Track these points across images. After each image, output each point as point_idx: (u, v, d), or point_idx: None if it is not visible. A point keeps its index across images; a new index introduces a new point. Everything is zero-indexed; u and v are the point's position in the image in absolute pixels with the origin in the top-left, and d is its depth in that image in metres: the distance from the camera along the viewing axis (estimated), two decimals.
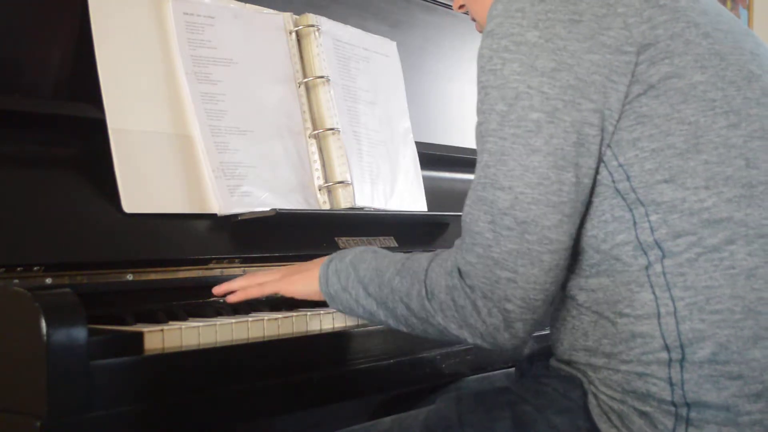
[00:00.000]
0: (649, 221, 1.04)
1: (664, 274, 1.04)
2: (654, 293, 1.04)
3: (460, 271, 1.07)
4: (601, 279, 1.08)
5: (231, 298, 1.34)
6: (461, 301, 1.06)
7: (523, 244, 1.02)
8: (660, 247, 1.04)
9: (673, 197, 1.03)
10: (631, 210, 1.05)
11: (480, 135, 1.08)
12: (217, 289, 1.36)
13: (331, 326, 1.33)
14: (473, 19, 1.36)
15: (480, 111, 1.08)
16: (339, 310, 1.26)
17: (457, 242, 1.10)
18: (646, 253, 1.04)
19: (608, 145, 1.05)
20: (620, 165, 1.05)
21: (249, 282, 1.35)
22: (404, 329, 1.17)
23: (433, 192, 1.88)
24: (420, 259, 1.14)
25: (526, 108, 1.03)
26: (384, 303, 1.16)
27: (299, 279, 1.31)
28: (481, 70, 1.07)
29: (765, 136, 1.07)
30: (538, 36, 1.03)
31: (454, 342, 1.17)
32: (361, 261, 1.21)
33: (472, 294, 1.05)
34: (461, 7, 1.36)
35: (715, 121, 1.05)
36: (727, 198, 1.03)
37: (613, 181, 1.06)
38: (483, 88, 1.07)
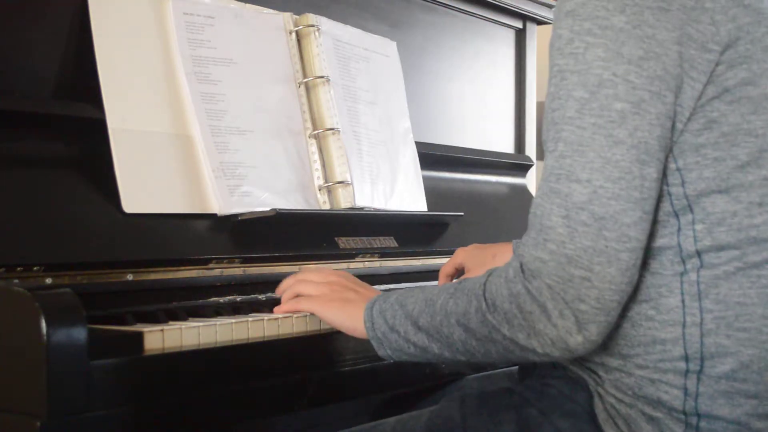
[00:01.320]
0: (694, 230, 1.01)
1: (698, 283, 1.01)
2: (683, 301, 1.01)
3: (524, 271, 0.99)
4: None
5: (276, 310, 1.29)
6: (528, 307, 0.98)
7: (599, 242, 0.96)
8: (700, 258, 1.01)
9: (725, 209, 1.01)
10: (677, 215, 1.02)
11: (553, 122, 1.00)
12: (279, 289, 1.31)
13: (331, 326, 1.32)
14: None
15: (554, 96, 1.00)
16: (388, 357, 1.16)
17: (521, 241, 1.03)
18: (684, 262, 1.02)
19: (670, 148, 1.01)
20: (678, 169, 1.01)
21: (290, 291, 1.30)
22: (462, 358, 1.09)
23: (433, 192, 1.88)
24: (474, 279, 1.07)
25: (610, 97, 0.97)
26: (438, 333, 1.08)
27: (338, 308, 1.23)
28: (559, 52, 1.00)
29: None
30: (625, 21, 0.97)
31: (516, 362, 1.07)
32: (408, 296, 1.14)
33: (540, 297, 0.97)
34: None
35: None
36: None
37: (667, 185, 1.02)
38: (559, 72, 1.00)
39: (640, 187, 0.97)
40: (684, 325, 1.01)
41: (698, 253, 1.01)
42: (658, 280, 1.03)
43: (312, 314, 1.30)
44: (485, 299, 1.03)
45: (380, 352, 1.16)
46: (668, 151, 1.00)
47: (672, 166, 1.02)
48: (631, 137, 0.97)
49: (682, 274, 1.02)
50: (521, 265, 1.00)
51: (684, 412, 1.02)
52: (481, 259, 1.55)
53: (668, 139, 0.99)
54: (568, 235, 0.97)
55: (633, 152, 0.97)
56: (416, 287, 1.17)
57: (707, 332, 1.00)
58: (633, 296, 1.03)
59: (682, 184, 1.01)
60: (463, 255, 1.55)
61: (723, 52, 1.00)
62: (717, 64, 0.99)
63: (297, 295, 1.30)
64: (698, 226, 1.01)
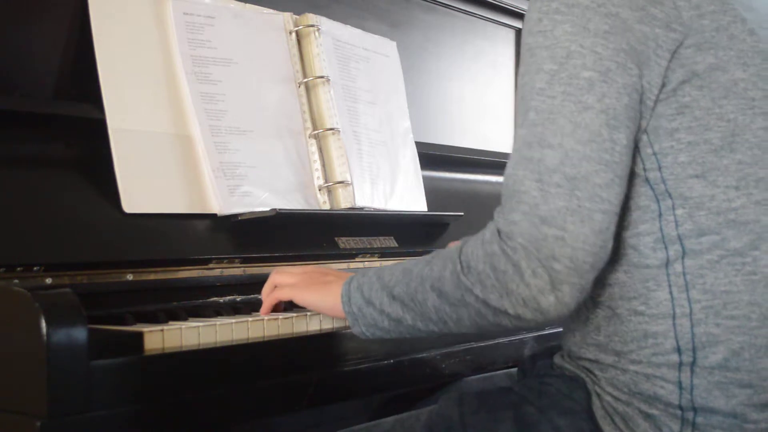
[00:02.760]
0: (674, 215, 1.03)
1: (684, 274, 1.02)
2: (671, 293, 1.03)
3: (500, 234, 1.00)
4: (618, 273, 1.06)
5: (262, 310, 1.30)
6: (502, 266, 0.98)
7: (572, 201, 0.97)
8: (682, 244, 1.02)
9: (702, 194, 1.02)
10: (658, 201, 1.03)
11: (522, 97, 1.03)
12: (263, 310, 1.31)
13: (330, 326, 1.33)
14: None
15: (525, 73, 1.04)
16: (361, 333, 1.16)
17: (497, 209, 1.04)
18: (666, 248, 1.03)
19: (645, 131, 1.03)
20: (654, 153, 1.03)
21: (268, 285, 1.30)
22: (436, 329, 1.09)
23: (433, 192, 1.88)
24: (451, 247, 1.09)
25: (578, 66, 1.00)
26: (412, 300, 1.09)
27: (318, 290, 1.24)
28: (528, 32, 1.04)
29: None
30: (590, 0, 1.01)
31: (490, 332, 1.05)
32: (387, 269, 1.15)
33: (515, 255, 0.97)
34: None
35: (753, 120, 1.04)
36: (756, 200, 1.02)
37: (644, 170, 1.04)
38: (529, 50, 1.03)
39: (610, 150, 0.99)
40: (674, 317, 1.02)
41: (680, 239, 1.02)
42: (644, 274, 1.04)
43: (312, 314, 1.30)
44: (460, 261, 1.03)
45: (354, 329, 1.17)
46: (637, 125, 1.02)
47: (648, 150, 1.04)
48: (600, 102, 0.99)
49: (666, 265, 1.03)
50: (497, 229, 1.01)
51: (680, 407, 1.02)
52: None
53: (636, 111, 1.01)
54: (542, 198, 0.98)
55: (602, 117, 0.99)
56: (397, 263, 1.18)
57: (697, 322, 1.01)
58: (622, 293, 1.05)
59: (659, 168, 1.03)
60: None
61: (687, 33, 1.02)
62: (681, 44, 1.02)
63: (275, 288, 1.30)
64: (678, 211, 1.03)
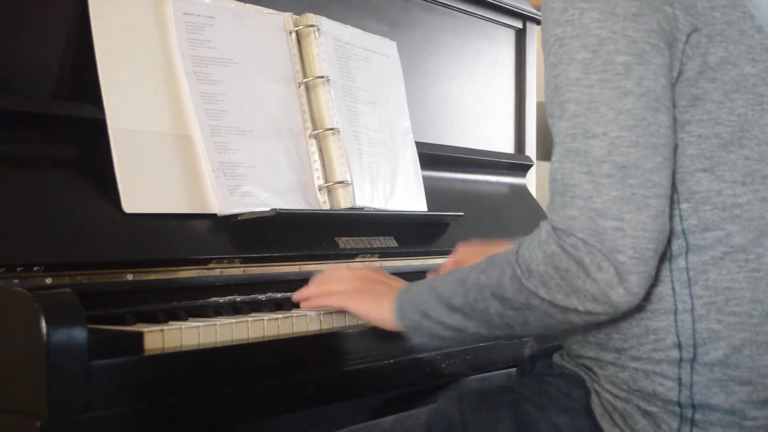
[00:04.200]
0: (679, 209, 1.02)
1: (687, 269, 1.02)
2: (673, 288, 1.02)
3: (557, 232, 0.98)
4: None
5: (303, 305, 1.29)
6: (564, 265, 0.97)
7: (626, 190, 0.96)
8: (686, 239, 1.02)
9: (709, 188, 1.02)
10: None
11: (557, 88, 1.02)
12: (297, 296, 1.30)
13: (330, 326, 1.33)
14: None
15: (555, 64, 1.02)
16: (423, 344, 1.15)
17: (550, 204, 1.02)
18: (670, 242, 1.02)
19: None
20: None
21: (320, 290, 1.29)
22: (500, 333, 1.08)
23: (433, 192, 1.88)
24: (504, 251, 1.07)
25: (612, 52, 0.98)
26: (473, 310, 1.07)
27: (370, 301, 1.22)
28: (555, 23, 1.02)
29: None
30: None
31: (556, 329, 1.06)
32: (439, 280, 1.14)
33: (577, 252, 0.96)
34: None
35: (762, 116, 1.04)
36: (763, 197, 1.03)
37: None
38: (557, 41, 1.02)
39: (656, 132, 0.98)
40: (675, 312, 1.02)
41: (684, 233, 1.02)
42: None
43: (312, 314, 1.30)
44: (519, 265, 1.02)
45: (415, 341, 1.16)
46: (673, 106, 1.01)
47: None
48: (639, 86, 0.98)
49: (670, 260, 1.03)
50: (552, 227, 1.00)
51: (679, 404, 1.02)
52: (483, 255, 1.55)
53: (672, 91, 1.01)
54: (594, 189, 0.97)
55: (643, 100, 0.98)
56: (447, 272, 1.16)
57: (698, 318, 1.01)
58: None
59: None
60: (464, 250, 1.56)
61: (700, 22, 1.02)
62: (696, 29, 1.02)
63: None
64: (684, 205, 1.02)
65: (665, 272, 1.03)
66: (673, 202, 1.02)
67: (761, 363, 1.01)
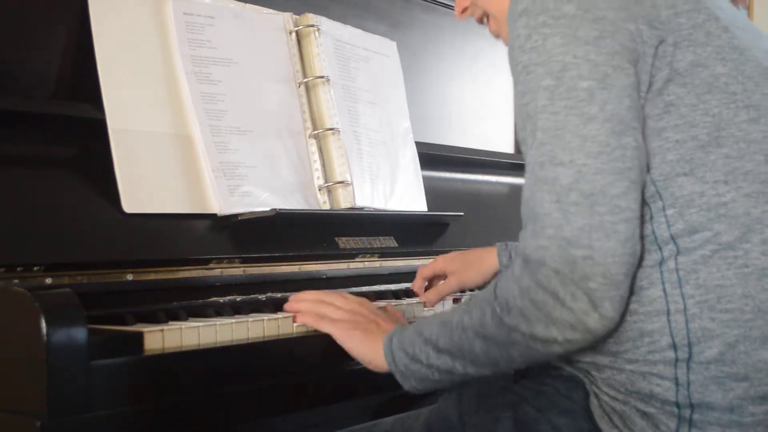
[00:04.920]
0: (665, 215, 1.03)
1: (677, 270, 1.03)
2: (664, 290, 1.03)
3: (529, 263, 1.00)
4: None
5: (289, 308, 1.30)
6: (540, 297, 0.99)
7: (594, 218, 0.97)
8: (675, 243, 1.03)
9: (692, 191, 1.03)
10: (648, 203, 1.04)
11: (527, 116, 1.04)
12: (289, 306, 1.30)
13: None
14: (480, 21, 1.32)
15: (523, 92, 1.04)
16: (414, 388, 1.16)
17: (522, 233, 1.04)
18: (660, 249, 1.03)
19: None
20: None
21: (313, 309, 1.29)
22: (487, 371, 1.10)
23: (433, 192, 1.88)
24: (484, 290, 1.09)
25: (575, 78, 1.00)
26: (459, 350, 1.09)
27: (358, 339, 1.24)
28: (520, 49, 1.04)
29: None
30: (576, 8, 1.02)
31: (540, 361, 1.09)
32: (424, 324, 1.15)
33: (550, 284, 0.98)
34: (464, 11, 1.33)
35: (736, 114, 1.05)
36: (746, 193, 1.03)
37: None
38: (524, 68, 1.04)
39: (621, 157, 0.99)
40: (668, 313, 1.02)
41: (673, 239, 1.03)
42: (638, 273, 1.04)
43: None
44: (498, 303, 1.04)
45: (405, 386, 1.17)
46: (641, 124, 1.03)
47: None
48: (603, 111, 0.99)
49: (660, 263, 1.03)
50: (524, 259, 1.01)
51: (677, 404, 1.02)
52: (463, 263, 1.57)
53: (639, 110, 1.02)
54: (563, 218, 0.98)
55: (607, 125, 0.99)
56: (431, 315, 1.18)
57: (691, 317, 1.02)
58: None
59: (649, 170, 1.03)
60: (443, 261, 1.59)
61: (666, 31, 1.03)
62: (662, 41, 1.03)
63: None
64: (669, 211, 1.03)
65: (656, 275, 1.03)
66: (658, 209, 1.03)
67: (756, 358, 1.01)
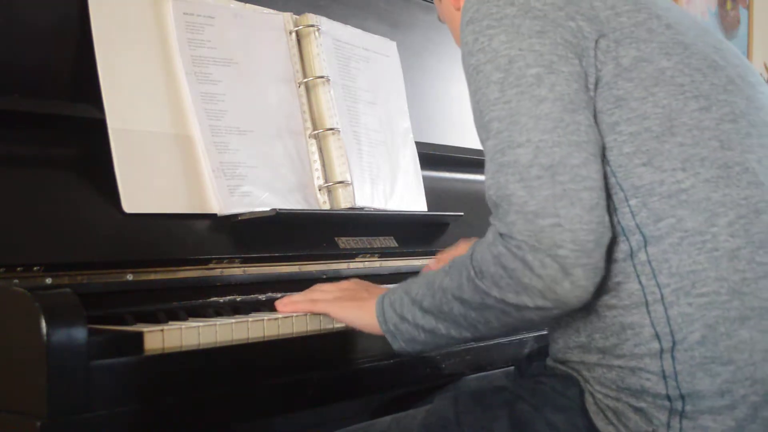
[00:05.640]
0: (629, 206, 1.05)
1: (649, 261, 1.04)
2: (640, 282, 1.05)
3: (502, 236, 1.04)
4: None
5: (281, 309, 1.31)
6: (511, 264, 1.02)
7: (556, 187, 1.00)
8: (641, 232, 1.05)
9: (652, 180, 1.05)
10: (610, 195, 1.06)
11: (480, 112, 1.08)
12: (281, 307, 1.31)
13: (331, 326, 1.33)
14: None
15: (475, 90, 1.09)
16: (402, 349, 1.19)
17: (491, 218, 1.08)
18: (628, 239, 1.05)
19: None
20: None
21: (304, 296, 1.32)
22: (468, 334, 1.13)
23: (433, 192, 1.88)
24: (464, 254, 1.12)
25: (522, 67, 1.05)
26: (440, 312, 1.12)
27: (352, 307, 1.27)
28: (469, 54, 1.10)
29: (736, 119, 1.09)
30: (516, 10, 1.07)
31: (517, 326, 1.12)
32: (412, 283, 1.19)
33: (519, 251, 1.01)
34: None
35: (686, 104, 1.07)
36: (705, 179, 1.05)
37: None
38: (474, 69, 1.09)
39: (576, 131, 1.03)
40: (647, 304, 1.04)
41: (639, 228, 1.05)
42: (612, 268, 1.06)
43: (311, 314, 1.30)
44: (473, 267, 1.07)
45: (395, 346, 1.20)
46: (592, 110, 1.06)
47: None
48: (552, 92, 1.04)
49: (631, 256, 1.05)
50: (498, 232, 1.05)
51: (668, 397, 1.04)
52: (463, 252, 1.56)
53: (586, 96, 1.05)
54: (528, 194, 1.01)
55: (558, 103, 1.03)
56: (420, 275, 1.21)
57: (669, 305, 1.03)
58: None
59: (608, 163, 1.06)
60: (452, 254, 1.57)
61: (606, 28, 1.07)
62: (602, 35, 1.07)
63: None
64: (632, 201, 1.05)
65: (629, 269, 1.05)
66: (621, 200, 1.06)
67: (737, 339, 1.02)
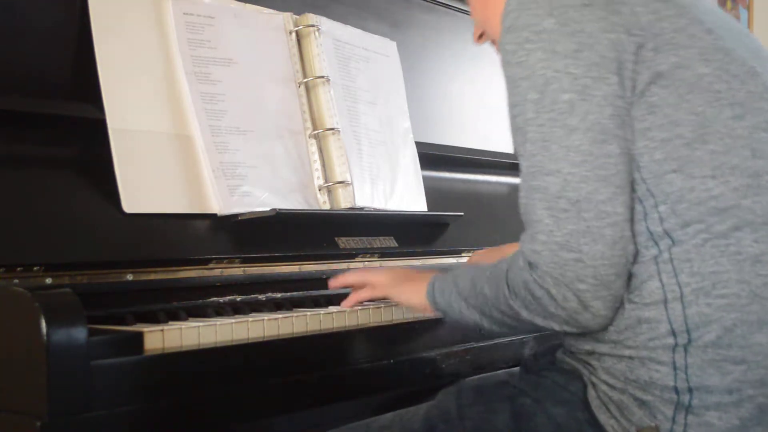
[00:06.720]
0: (658, 212, 1.06)
1: (671, 260, 1.06)
2: (661, 281, 1.06)
3: (529, 264, 1.07)
4: None
5: (345, 304, 1.39)
6: (538, 293, 1.07)
7: (581, 223, 1.04)
8: (670, 237, 1.06)
9: (682, 187, 1.06)
10: (641, 201, 1.07)
11: (518, 127, 1.10)
12: (333, 282, 1.43)
13: (330, 326, 1.33)
14: (493, 42, 1.37)
15: (513, 104, 1.10)
16: (456, 322, 1.28)
17: (522, 236, 1.11)
18: (657, 244, 1.06)
19: None
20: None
21: (360, 279, 1.41)
22: (507, 330, 1.21)
23: (433, 192, 1.88)
24: (503, 262, 1.16)
25: (556, 91, 1.06)
26: (482, 312, 1.18)
27: (408, 289, 1.34)
28: (507, 64, 1.11)
29: None
30: (554, 22, 1.07)
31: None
32: (459, 276, 1.24)
33: (544, 284, 1.05)
34: (481, 37, 1.40)
35: (721, 111, 1.07)
36: (734, 187, 1.06)
37: None
38: (512, 81, 1.10)
39: (604, 165, 1.05)
40: (666, 302, 1.05)
41: (667, 233, 1.06)
42: (636, 269, 1.07)
43: (311, 314, 1.30)
44: (507, 286, 1.12)
45: (449, 320, 1.29)
46: (629, 127, 1.07)
47: None
48: (584, 122, 1.05)
49: (656, 257, 1.06)
50: (524, 259, 1.09)
51: (676, 390, 1.04)
52: (493, 259, 1.57)
53: (623, 117, 1.06)
54: (555, 224, 1.05)
55: (589, 135, 1.05)
56: (467, 267, 1.30)
57: (688, 304, 1.04)
58: None
59: (638, 169, 1.07)
60: (476, 257, 1.68)
61: (647, 37, 1.07)
62: (641, 46, 1.07)
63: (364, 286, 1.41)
64: (661, 208, 1.06)
65: (652, 268, 1.06)
66: (651, 206, 1.07)
67: (753, 341, 1.03)
